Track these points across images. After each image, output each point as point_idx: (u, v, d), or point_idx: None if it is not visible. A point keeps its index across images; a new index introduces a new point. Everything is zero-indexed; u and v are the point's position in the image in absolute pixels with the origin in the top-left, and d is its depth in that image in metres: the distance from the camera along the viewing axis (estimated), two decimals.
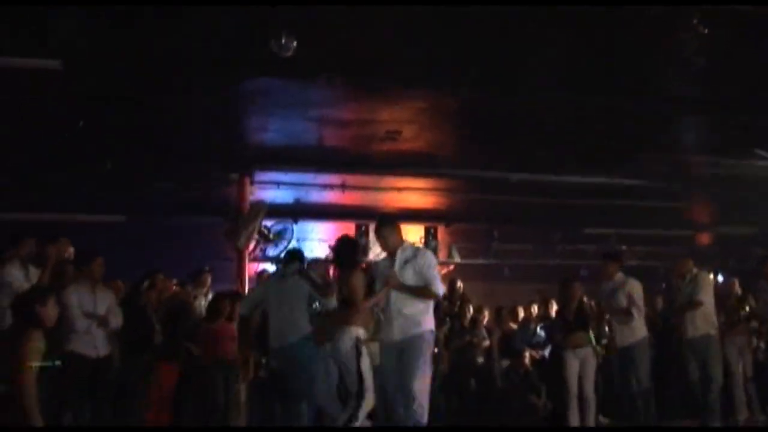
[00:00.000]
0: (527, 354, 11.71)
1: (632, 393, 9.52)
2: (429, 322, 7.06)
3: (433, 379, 10.24)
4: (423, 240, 16.04)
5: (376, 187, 14.66)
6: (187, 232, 14.63)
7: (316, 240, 16.15)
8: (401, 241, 7.32)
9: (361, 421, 7.23)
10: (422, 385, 6.79)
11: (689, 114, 11.63)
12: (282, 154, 12.83)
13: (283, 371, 8.51)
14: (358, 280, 7.41)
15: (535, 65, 9.55)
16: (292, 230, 14.85)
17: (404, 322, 6.98)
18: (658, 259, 17.37)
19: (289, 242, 14.68)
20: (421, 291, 7.04)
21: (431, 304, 7.17)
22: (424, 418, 6.71)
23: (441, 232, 16.28)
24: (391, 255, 7.24)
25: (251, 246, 14.13)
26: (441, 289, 7.21)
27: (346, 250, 7.91)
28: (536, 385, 11.68)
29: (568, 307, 10.16)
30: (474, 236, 16.96)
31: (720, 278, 15.72)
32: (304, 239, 15.62)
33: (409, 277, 7.05)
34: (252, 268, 14.09)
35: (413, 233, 16.18)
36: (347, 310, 7.42)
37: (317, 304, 8.20)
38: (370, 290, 7.44)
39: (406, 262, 7.12)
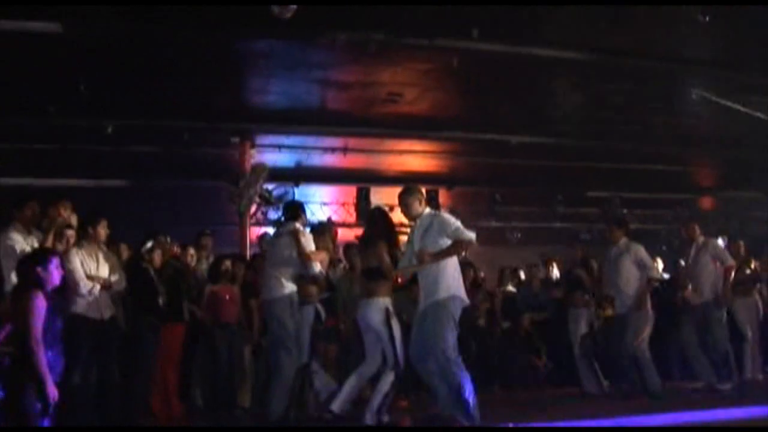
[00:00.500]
0: (528, 315, 11.76)
1: (627, 358, 9.55)
2: (447, 288, 7.05)
3: None
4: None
5: (377, 150, 14.64)
6: (189, 196, 14.64)
7: (318, 203, 16.15)
8: (423, 208, 7.37)
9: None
10: (441, 347, 6.87)
11: (693, 74, 11.58)
12: (283, 117, 12.79)
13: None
14: (383, 251, 7.50)
15: (539, 25, 9.50)
16: (294, 193, 14.85)
17: (426, 292, 7.08)
18: (659, 222, 17.40)
19: None
20: (452, 249, 7.08)
21: (448, 267, 7.11)
22: (458, 375, 6.85)
23: (443, 195, 16.27)
24: (415, 223, 7.36)
25: (253, 209, 14.14)
26: (469, 233, 7.09)
27: (375, 222, 7.97)
28: (537, 346, 11.75)
29: (571, 270, 10.27)
30: (476, 199, 16.96)
31: (721, 242, 15.74)
32: (306, 202, 15.56)
33: (430, 243, 7.09)
34: (254, 231, 14.10)
35: None
36: (374, 280, 7.52)
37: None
38: (393, 259, 7.55)
39: (426, 230, 7.18)
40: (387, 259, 7.48)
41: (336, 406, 7.48)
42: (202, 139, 13.32)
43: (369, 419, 7.30)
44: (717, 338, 9.87)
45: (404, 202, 7.39)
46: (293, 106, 12.45)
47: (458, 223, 7.15)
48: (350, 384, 7.60)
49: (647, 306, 9.55)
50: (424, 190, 7.73)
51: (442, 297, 7.00)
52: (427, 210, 7.42)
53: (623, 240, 9.80)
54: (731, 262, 10.04)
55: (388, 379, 7.36)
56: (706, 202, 19.13)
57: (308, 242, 8.14)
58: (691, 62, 10.98)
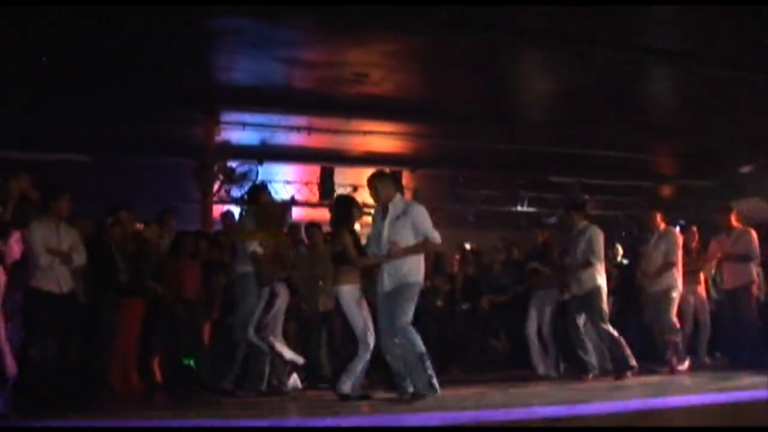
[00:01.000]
0: (488, 298, 11.87)
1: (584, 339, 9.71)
2: (417, 274, 7.27)
3: None
4: None
5: (342, 130, 14.64)
6: (153, 172, 14.55)
7: (281, 182, 16.13)
8: (393, 194, 7.43)
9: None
10: (404, 321, 7.08)
11: (656, 64, 11.71)
12: (249, 95, 12.76)
13: None
14: (347, 238, 7.59)
15: (505, 12, 9.55)
16: (257, 172, 14.82)
17: (395, 276, 7.21)
18: (620, 209, 17.60)
19: (253, 183, 14.67)
20: (423, 247, 7.29)
21: (422, 256, 7.34)
22: (416, 346, 7.05)
23: (406, 176, 16.32)
24: (383, 207, 7.40)
25: (216, 187, 14.12)
26: (438, 237, 7.33)
27: (337, 209, 8.07)
28: (496, 328, 11.86)
29: (533, 250, 10.38)
30: (439, 181, 17.03)
31: (677, 228, 16.02)
32: (269, 181, 15.59)
33: (402, 232, 7.21)
34: (217, 209, 14.07)
35: None
36: (341, 266, 7.63)
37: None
38: (358, 245, 7.66)
39: (398, 217, 7.26)
40: (351, 246, 7.56)
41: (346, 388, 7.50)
42: (166, 115, 13.25)
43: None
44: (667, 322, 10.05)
45: (373, 186, 7.45)
46: (259, 84, 12.43)
47: (430, 222, 7.30)
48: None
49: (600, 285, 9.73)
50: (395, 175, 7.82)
51: (411, 281, 7.20)
52: (399, 196, 7.50)
53: (583, 223, 9.96)
54: (673, 259, 10.16)
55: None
56: (666, 190, 19.38)
57: (245, 224, 8.35)
58: (654, 52, 11.11)
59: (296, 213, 15.66)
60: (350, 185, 15.79)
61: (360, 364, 7.52)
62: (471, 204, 17.03)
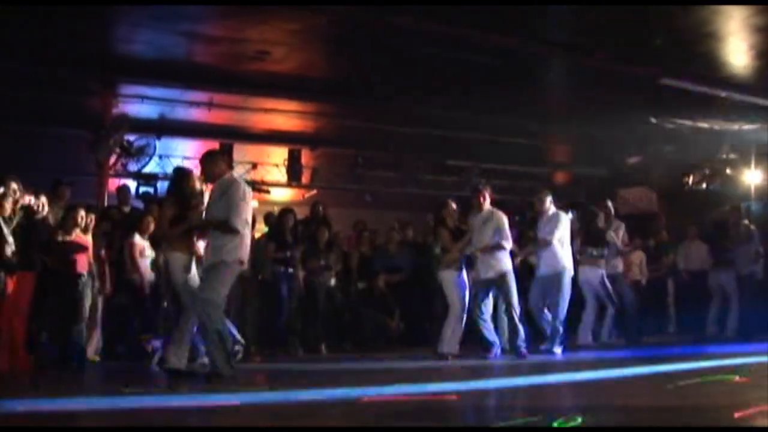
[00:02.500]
0: (383, 277, 12.04)
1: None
2: (233, 253, 7.18)
3: (290, 299, 10.65)
4: (287, 162, 16.08)
5: (243, 107, 14.57)
6: (47, 143, 14.18)
7: (180, 157, 15.95)
8: (222, 173, 7.44)
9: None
10: (209, 296, 7.09)
11: (555, 57, 12.03)
12: (148, 67, 12.57)
13: None
14: (168, 210, 7.79)
15: None
16: (155, 146, 14.61)
17: (211, 251, 7.25)
18: (516, 194, 17.98)
19: (151, 158, 14.46)
20: (217, 225, 7.22)
21: (236, 236, 7.19)
22: (213, 322, 7.02)
23: (306, 155, 16.34)
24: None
25: (112, 160, 13.86)
26: (236, 222, 7.16)
27: (171, 182, 8.22)
28: (390, 308, 12.05)
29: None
30: (339, 161, 17.09)
31: (570, 215, 16.45)
32: (168, 156, 15.41)
33: (220, 211, 7.21)
34: (113, 183, 13.83)
35: (278, 155, 16.19)
36: (173, 237, 7.76)
37: None
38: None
39: (221, 195, 7.27)
40: (165, 218, 7.75)
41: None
42: (62, 84, 12.92)
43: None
44: (559, 306, 10.39)
45: (203, 165, 7.58)
46: (159, 57, 12.25)
47: (239, 205, 7.20)
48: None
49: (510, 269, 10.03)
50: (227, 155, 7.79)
51: (224, 259, 7.15)
52: (229, 174, 7.50)
53: (487, 208, 10.20)
54: (550, 238, 10.48)
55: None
56: (560, 177, 19.87)
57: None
58: (551, 44, 11.41)
59: None
60: (249, 162, 15.75)
61: (186, 335, 7.44)
62: (369, 184, 17.14)
